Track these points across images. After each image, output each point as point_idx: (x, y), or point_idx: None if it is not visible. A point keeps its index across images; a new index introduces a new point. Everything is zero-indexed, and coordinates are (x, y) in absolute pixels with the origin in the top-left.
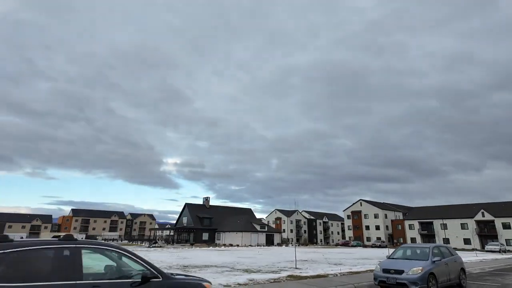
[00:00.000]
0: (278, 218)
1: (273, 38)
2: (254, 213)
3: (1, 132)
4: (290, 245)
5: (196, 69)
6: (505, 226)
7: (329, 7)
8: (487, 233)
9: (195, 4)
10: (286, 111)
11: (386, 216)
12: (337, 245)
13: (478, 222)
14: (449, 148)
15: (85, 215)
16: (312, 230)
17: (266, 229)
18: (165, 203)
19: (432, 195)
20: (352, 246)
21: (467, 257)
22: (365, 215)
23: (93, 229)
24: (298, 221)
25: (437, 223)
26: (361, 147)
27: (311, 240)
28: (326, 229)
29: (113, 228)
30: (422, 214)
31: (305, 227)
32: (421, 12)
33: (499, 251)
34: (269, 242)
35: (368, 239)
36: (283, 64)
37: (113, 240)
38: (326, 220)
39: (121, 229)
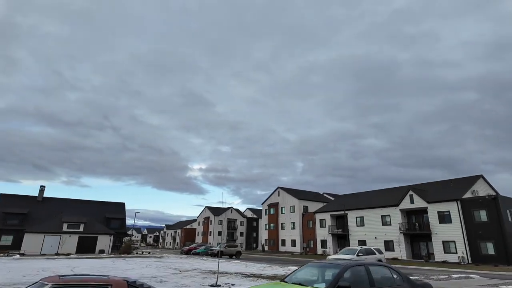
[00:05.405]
0: (207, 218)
1: (291, 36)
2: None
3: (37, 143)
4: (113, 254)
5: (215, 72)
6: (442, 219)
7: None
8: (418, 231)
9: (210, 6)
10: (309, 111)
11: (306, 210)
12: (181, 252)
13: (406, 212)
14: (491, 144)
15: None
16: (252, 232)
17: (81, 230)
18: (193, 209)
19: None
20: (195, 253)
21: None
22: (282, 208)
23: None
24: (232, 221)
25: (352, 218)
26: (392, 147)
27: (250, 245)
28: None
29: None
30: (339, 205)
31: (242, 229)
32: None
33: None
34: (86, 248)
35: (283, 242)
36: (304, 62)
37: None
38: None
39: None
